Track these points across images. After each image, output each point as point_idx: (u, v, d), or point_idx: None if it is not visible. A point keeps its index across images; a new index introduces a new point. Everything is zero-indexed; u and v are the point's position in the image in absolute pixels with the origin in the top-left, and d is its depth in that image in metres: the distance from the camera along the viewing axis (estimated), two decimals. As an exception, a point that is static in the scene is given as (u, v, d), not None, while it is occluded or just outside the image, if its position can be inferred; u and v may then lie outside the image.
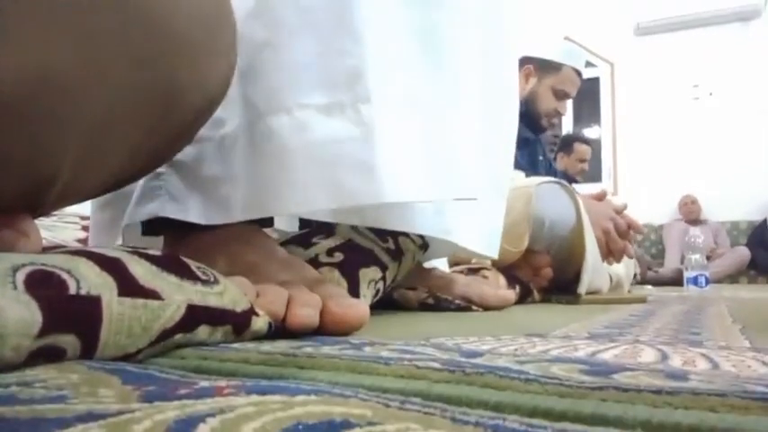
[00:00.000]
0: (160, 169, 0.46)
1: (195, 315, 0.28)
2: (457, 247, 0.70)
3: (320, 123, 0.42)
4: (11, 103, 0.24)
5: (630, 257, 1.05)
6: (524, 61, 1.68)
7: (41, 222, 0.32)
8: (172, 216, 0.46)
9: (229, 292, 0.31)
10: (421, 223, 0.57)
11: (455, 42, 0.50)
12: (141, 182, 0.46)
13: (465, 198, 0.49)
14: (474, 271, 0.89)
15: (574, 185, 1.16)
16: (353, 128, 0.42)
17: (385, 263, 0.57)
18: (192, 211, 0.46)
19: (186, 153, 0.45)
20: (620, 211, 1.03)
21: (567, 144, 2.90)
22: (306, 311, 0.35)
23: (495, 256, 0.69)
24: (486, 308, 0.70)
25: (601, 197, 1.07)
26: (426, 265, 0.76)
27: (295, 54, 0.43)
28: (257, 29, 0.44)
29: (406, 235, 0.61)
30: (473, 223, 0.63)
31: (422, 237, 0.64)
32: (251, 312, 0.32)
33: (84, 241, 0.98)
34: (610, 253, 1.01)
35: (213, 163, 0.46)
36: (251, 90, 0.44)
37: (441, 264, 0.83)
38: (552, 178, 1.06)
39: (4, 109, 0.24)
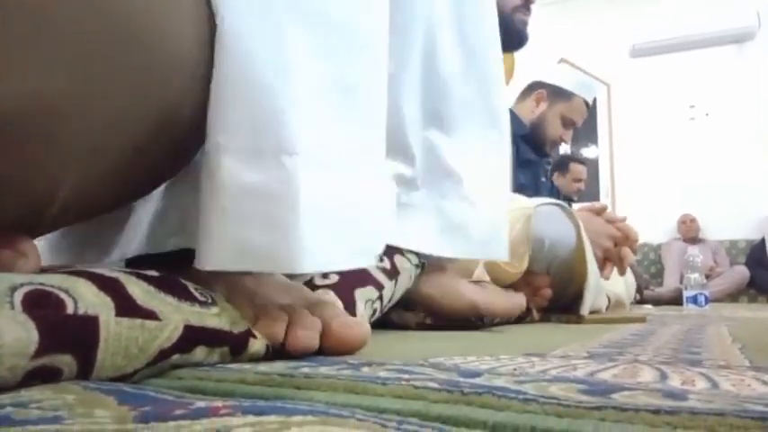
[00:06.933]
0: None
1: (192, 336, 0.28)
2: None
3: (237, 171, 0.34)
4: (5, 126, 0.24)
5: (627, 268, 1.04)
6: (537, 86, 1.69)
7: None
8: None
9: (227, 314, 0.31)
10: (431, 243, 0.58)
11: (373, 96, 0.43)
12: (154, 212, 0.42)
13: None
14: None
15: (571, 204, 1.16)
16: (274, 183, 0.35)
17: (381, 282, 0.57)
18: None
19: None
20: (619, 223, 1.03)
21: (562, 164, 2.91)
22: (306, 334, 0.35)
23: (506, 257, 0.65)
24: (495, 315, 0.68)
25: (600, 211, 1.06)
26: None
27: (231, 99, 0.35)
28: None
29: (401, 254, 0.61)
30: (475, 231, 0.61)
31: (418, 256, 0.63)
32: (248, 334, 0.32)
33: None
34: (607, 263, 1.00)
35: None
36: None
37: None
38: (551, 200, 1.06)
39: None
